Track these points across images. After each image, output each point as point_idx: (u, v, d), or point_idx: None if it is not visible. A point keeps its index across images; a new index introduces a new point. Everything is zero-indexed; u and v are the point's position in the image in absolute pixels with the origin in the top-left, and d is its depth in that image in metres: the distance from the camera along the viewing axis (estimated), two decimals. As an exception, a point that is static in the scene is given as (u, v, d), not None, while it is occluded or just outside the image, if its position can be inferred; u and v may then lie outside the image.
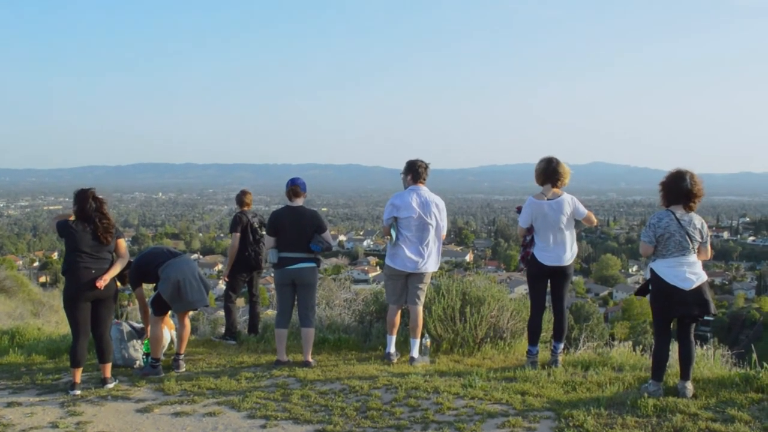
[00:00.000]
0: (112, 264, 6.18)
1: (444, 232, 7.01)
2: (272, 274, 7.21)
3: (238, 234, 8.16)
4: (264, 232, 7.79)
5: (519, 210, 6.69)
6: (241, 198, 8.43)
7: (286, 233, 6.85)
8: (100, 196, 6.16)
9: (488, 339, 7.42)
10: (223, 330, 8.67)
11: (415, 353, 6.86)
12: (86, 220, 6.07)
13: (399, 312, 7.04)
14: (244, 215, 8.27)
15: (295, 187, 6.97)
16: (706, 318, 5.61)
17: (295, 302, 7.09)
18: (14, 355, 7.82)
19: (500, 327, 7.50)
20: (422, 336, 7.00)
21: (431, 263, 6.90)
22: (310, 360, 6.86)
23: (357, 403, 5.43)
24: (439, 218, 6.90)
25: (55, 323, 12.24)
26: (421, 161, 6.95)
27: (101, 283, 5.97)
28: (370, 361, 6.97)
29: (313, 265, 6.95)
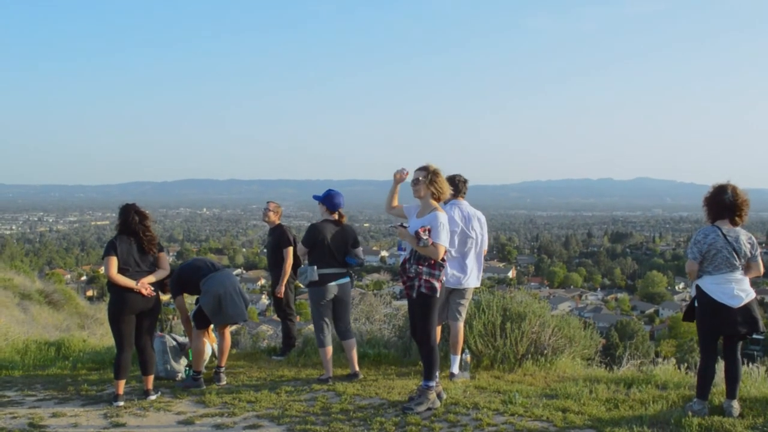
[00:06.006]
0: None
1: (485, 247, 6.95)
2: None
3: (292, 248, 8.17)
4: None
5: (400, 227, 5.97)
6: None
7: (327, 248, 6.78)
8: (143, 210, 6.29)
9: (529, 355, 7.34)
10: (267, 345, 8.67)
11: (456, 369, 6.81)
12: (130, 234, 6.19)
13: (440, 327, 7.00)
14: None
15: (332, 200, 6.95)
16: (754, 336, 5.48)
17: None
18: (60, 367, 7.98)
19: (541, 343, 7.41)
20: (462, 352, 6.94)
21: (473, 279, 6.85)
22: (358, 370, 6.87)
23: (396, 418, 5.42)
24: (480, 232, 6.85)
25: (100, 336, 12.45)
26: (461, 176, 6.90)
27: (144, 290, 6.08)
28: (410, 376, 6.95)
29: (349, 279, 6.97)
